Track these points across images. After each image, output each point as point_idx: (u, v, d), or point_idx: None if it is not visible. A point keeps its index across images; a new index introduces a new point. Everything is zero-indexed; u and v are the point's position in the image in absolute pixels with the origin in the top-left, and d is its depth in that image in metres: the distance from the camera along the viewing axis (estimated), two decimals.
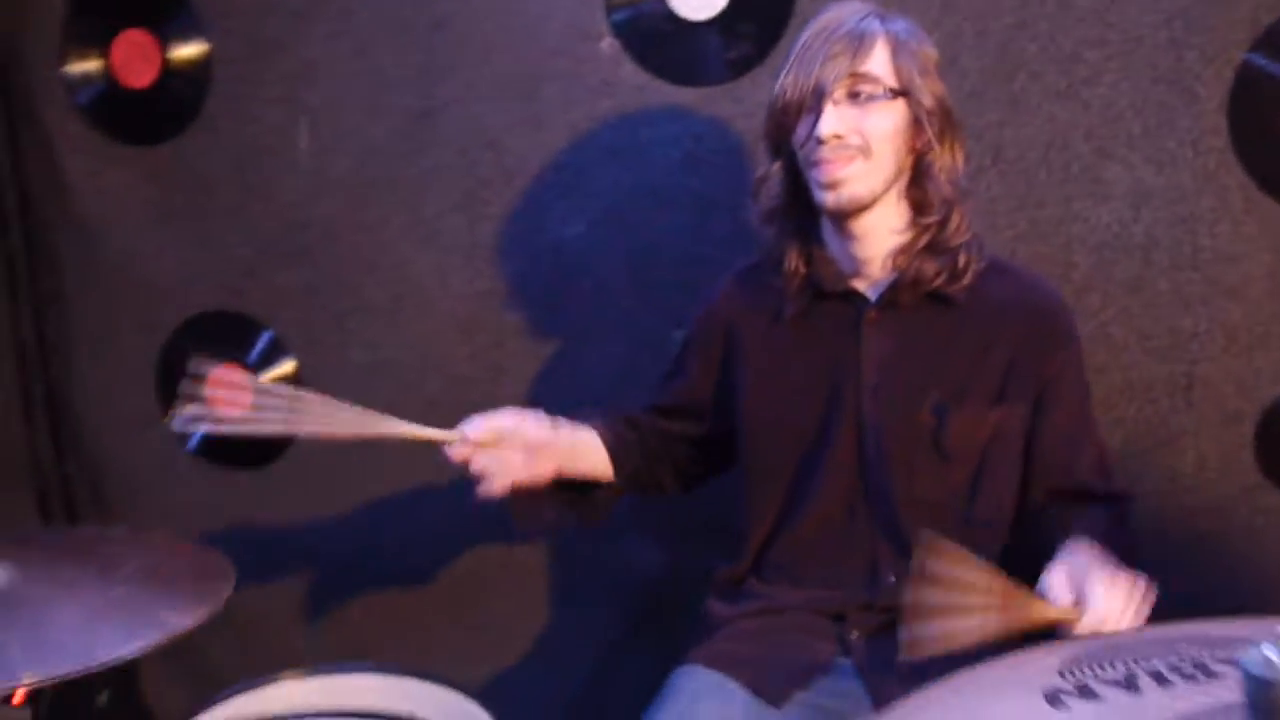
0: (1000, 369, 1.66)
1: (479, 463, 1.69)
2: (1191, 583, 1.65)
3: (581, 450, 1.81)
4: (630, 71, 2.14)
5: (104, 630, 1.33)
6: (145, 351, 2.47)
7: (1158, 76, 1.94)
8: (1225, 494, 2.00)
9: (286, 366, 2.42)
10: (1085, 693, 0.82)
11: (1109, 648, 0.89)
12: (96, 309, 2.48)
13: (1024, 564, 1.68)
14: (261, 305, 2.40)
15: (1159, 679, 0.82)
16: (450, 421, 2.31)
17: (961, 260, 1.66)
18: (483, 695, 1.61)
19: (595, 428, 1.83)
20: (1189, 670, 0.76)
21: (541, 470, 1.74)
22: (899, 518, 1.68)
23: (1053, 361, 1.68)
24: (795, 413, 1.73)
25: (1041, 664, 0.88)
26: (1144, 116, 1.95)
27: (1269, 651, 0.68)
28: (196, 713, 1.61)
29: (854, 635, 1.68)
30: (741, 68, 2.09)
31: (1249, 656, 0.69)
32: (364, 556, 2.43)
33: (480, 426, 1.70)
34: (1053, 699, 0.83)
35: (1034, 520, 1.69)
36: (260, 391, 1.69)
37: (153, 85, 2.34)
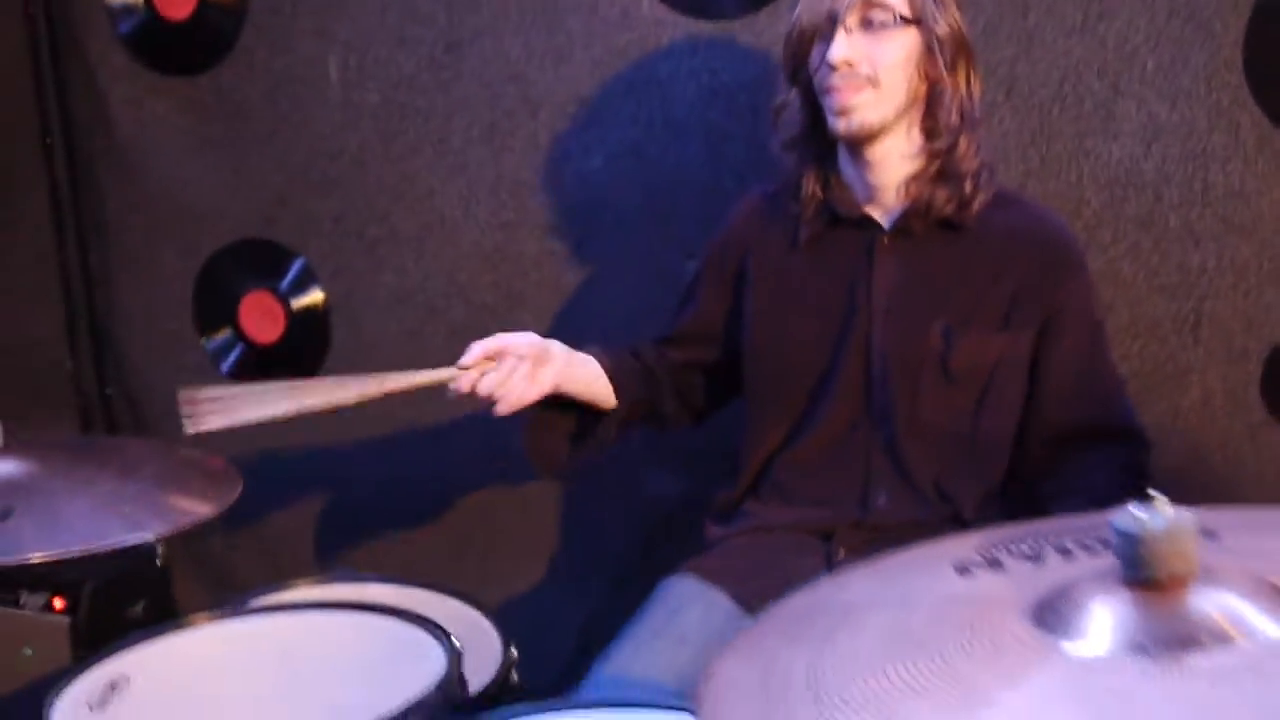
0: (1007, 295, 1.69)
1: (483, 386, 1.72)
2: None
3: (579, 369, 1.83)
4: (650, 5, 2.16)
5: (114, 520, 1.41)
6: (184, 277, 2.55)
7: (1173, 11, 1.93)
8: (1231, 431, 2.00)
9: (316, 294, 2.50)
10: (993, 564, 0.86)
11: (1030, 531, 0.92)
12: (138, 235, 2.58)
13: (1036, 496, 1.72)
14: (293, 233, 2.47)
15: (1063, 552, 0.86)
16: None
17: (970, 188, 1.68)
18: (495, 616, 1.66)
19: (595, 354, 1.87)
20: (1092, 545, 0.79)
21: (542, 381, 1.75)
22: (898, 439, 1.71)
23: (1059, 291, 1.70)
24: (805, 336, 1.77)
25: (963, 545, 0.92)
26: (1158, 52, 1.94)
27: (1136, 510, 0.72)
28: None
29: (840, 553, 1.72)
30: (760, 1, 2.11)
31: (1119, 516, 0.73)
32: (384, 481, 2.50)
33: (474, 351, 1.74)
34: (961, 569, 0.86)
35: (1044, 452, 1.71)
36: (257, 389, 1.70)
37: (191, 16, 2.42)
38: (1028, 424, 1.73)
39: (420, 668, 1.32)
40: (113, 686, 1.33)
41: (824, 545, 1.74)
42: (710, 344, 1.90)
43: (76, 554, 1.33)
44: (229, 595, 2.58)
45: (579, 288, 2.33)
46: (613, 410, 1.87)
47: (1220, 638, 0.70)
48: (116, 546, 1.36)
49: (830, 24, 1.64)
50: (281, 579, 2.59)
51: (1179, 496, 1.59)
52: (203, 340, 2.59)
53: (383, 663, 1.38)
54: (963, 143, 1.68)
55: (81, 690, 1.32)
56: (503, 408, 1.73)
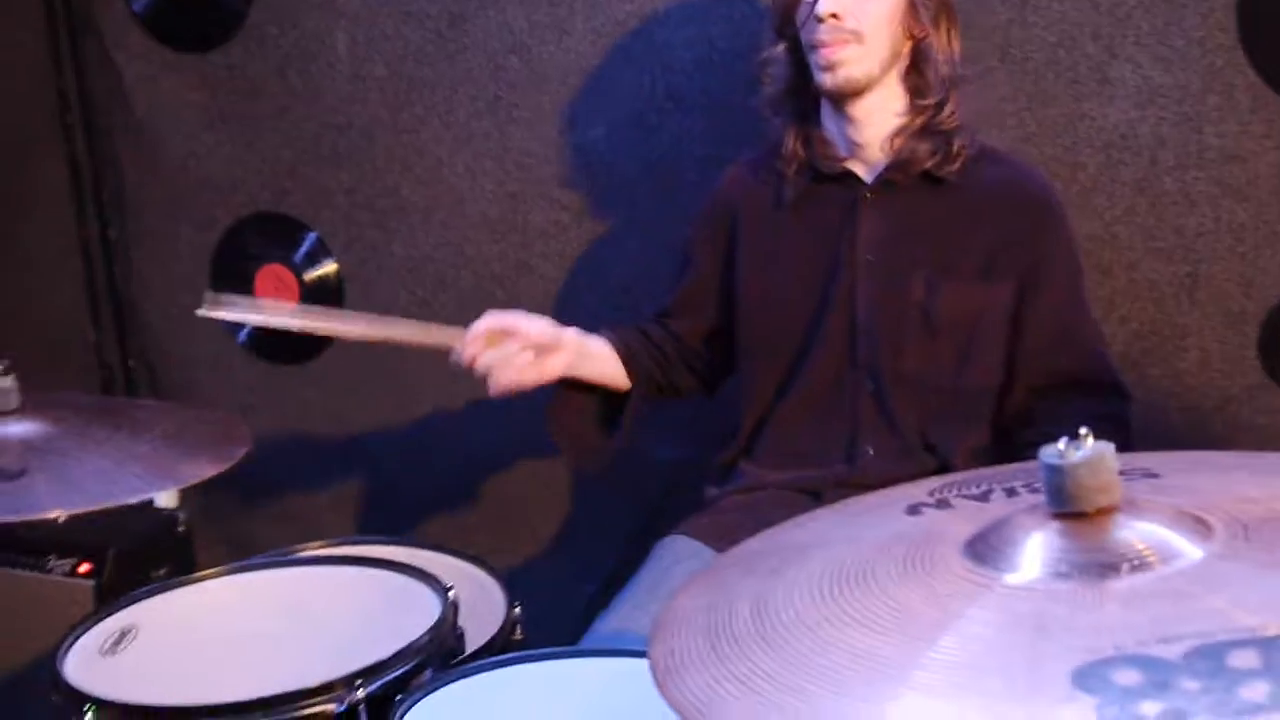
0: (988, 248, 1.72)
1: (483, 361, 1.75)
2: None
3: (590, 353, 1.87)
4: None
5: (125, 478, 1.46)
6: (200, 249, 2.61)
7: None
8: (1229, 394, 2.01)
9: (329, 266, 2.55)
10: (942, 504, 0.90)
11: (982, 475, 0.95)
12: (155, 209, 2.63)
13: (1014, 444, 1.75)
14: (305, 206, 2.52)
15: (1009, 492, 0.89)
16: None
17: (955, 144, 1.71)
18: (499, 575, 1.68)
19: (605, 336, 1.90)
20: (1038, 486, 0.82)
21: (550, 369, 1.79)
22: (884, 391, 1.74)
23: (1040, 243, 1.73)
24: (791, 293, 1.80)
25: (917, 489, 0.95)
26: (1152, 15, 1.96)
27: (1061, 444, 0.75)
28: None
29: None
30: None
31: (1046, 451, 0.76)
32: (400, 452, 2.56)
33: (483, 323, 1.77)
34: (912, 510, 0.90)
35: (1025, 401, 1.74)
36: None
37: None
38: (1010, 374, 1.75)
39: (417, 617, 1.37)
40: (123, 634, 1.39)
41: (812, 502, 1.76)
42: (708, 312, 1.93)
43: (90, 511, 1.38)
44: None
45: (584, 256, 2.37)
46: (628, 391, 1.91)
47: (1140, 564, 0.73)
48: (128, 503, 1.41)
49: None
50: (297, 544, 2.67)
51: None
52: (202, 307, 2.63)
53: (382, 612, 1.43)
54: (950, 101, 1.71)
55: (93, 639, 1.38)
56: (494, 389, 1.76)
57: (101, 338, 2.73)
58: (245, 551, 2.69)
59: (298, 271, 2.56)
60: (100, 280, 2.70)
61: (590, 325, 2.15)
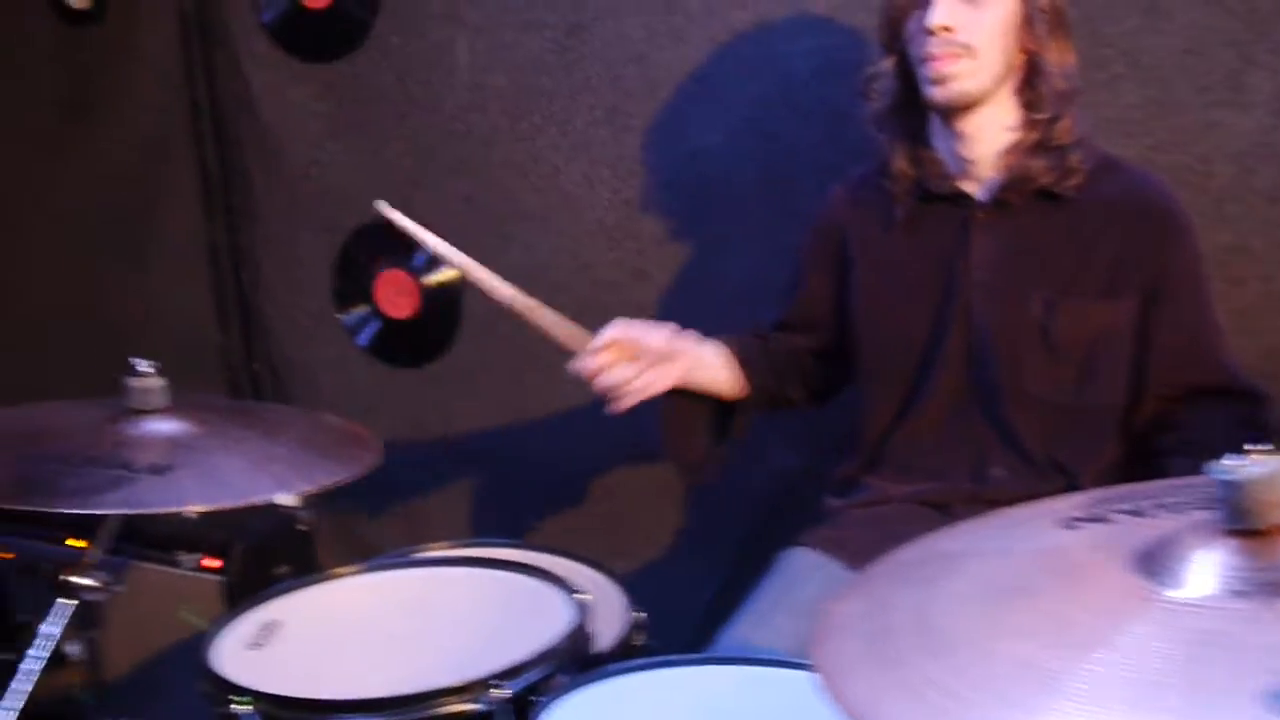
0: (1109, 264, 1.68)
1: (604, 381, 1.77)
2: None
3: (705, 361, 1.88)
4: None
5: (263, 477, 1.51)
6: (322, 255, 2.68)
7: None
8: None
9: (448, 272, 2.60)
10: (1098, 520, 0.89)
11: (1137, 491, 0.95)
12: (279, 215, 2.71)
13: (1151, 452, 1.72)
14: (425, 213, 2.56)
15: (1168, 508, 0.88)
16: (596, 325, 2.44)
17: (1071, 159, 1.67)
18: (621, 580, 1.72)
19: (721, 342, 1.91)
20: (1194, 502, 0.82)
21: (665, 378, 1.80)
22: (1007, 412, 1.72)
23: (1163, 256, 1.68)
24: (906, 315, 1.78)
25: (1066, 504, 0.95)
26: None
27: (1229, 460, 0.74)
28: None
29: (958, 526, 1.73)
30: None
31: (1220, 466, 0.75)
32: (517, 457, 2.59)
33: (608, 334, 1.78)
34: (1068, 524, 0.90)
35: (1161, 412, 1.71)
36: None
37: (330, 5, 2.53)
38: (1138, 388, 1.71)
39: (548, 621, 1.39)
40: (267, 629, 1.44)
41: (940, 517, 1.75)
42: (818, 330, 1.92)
43: (231, 508, 1.43)
44: (371, 558, 2.72)
45: (699, 264, 2.38)
46: (743, 400, 1.91)
47: None
48: (266, 502, 1.46)
49: None
50: (416, 542, 2.72)
51: None
52: (340, 316, 2.71)
53: (513, 615, 1.46)
54: (1066, 115, 1.68)
55: (238, 632, 1.43)
56: (617, 407, 1.79)
57: (228, 341, 2.81)
58: (363, 550, 2.77)
59: (417, 277, 2.61)
60: (228, 285, 2.78)
61: (704, 333, 2.17)
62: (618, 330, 1.79)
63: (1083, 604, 0.79)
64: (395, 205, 2.55)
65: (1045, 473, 1.72)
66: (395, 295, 2.65)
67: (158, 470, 1.46)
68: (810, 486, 2.28)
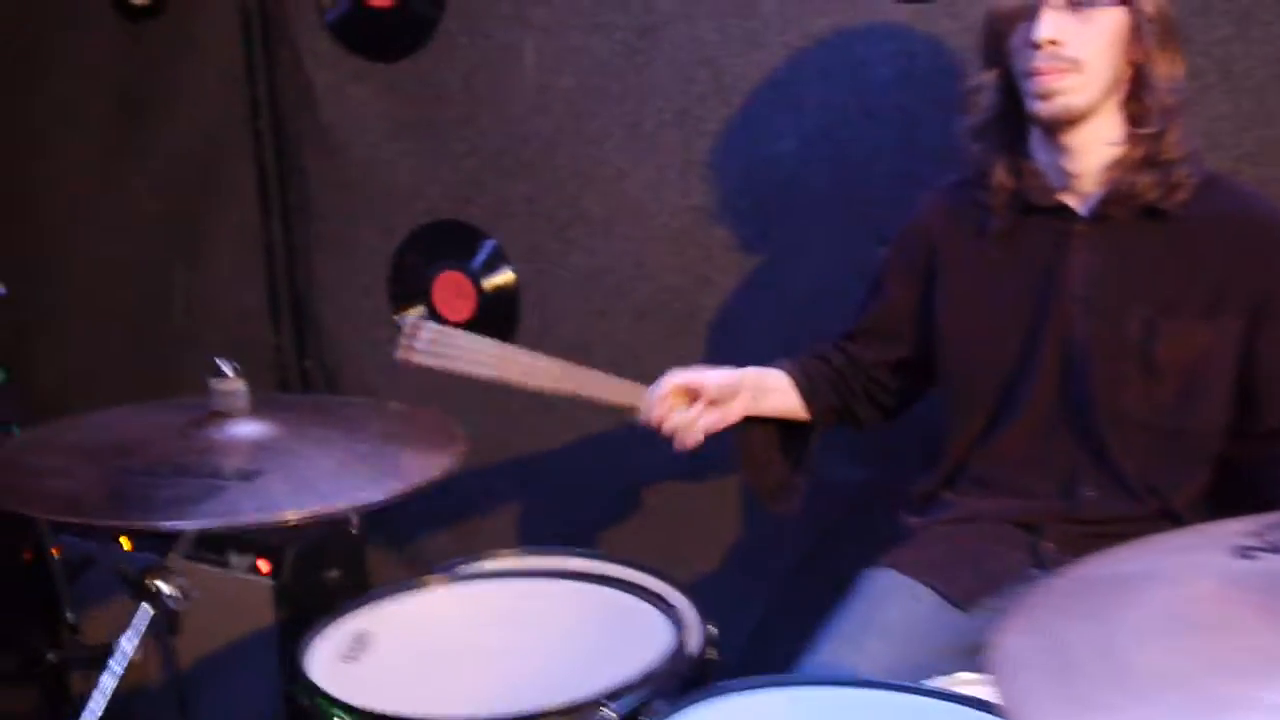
0: (1214, 284, 1.64)
1: (668, 426, 1.79)
2: None
3: (768, 388, 1.87)
4: None
5: (353, 479, 1.48)
6: (380, 255, 2.66)
7: None
8: None
9: (507, 274, 2.57)
10: (1275, 548, 0.86)
11: None
12: (338, 215, 2.69)
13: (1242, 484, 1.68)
14: (486, 215, 2.55)
15: None
16: (658, 330, 2.43)
17: (1177, 174, 1.64)
18: (691, 593, 1.68)
19: (782, 368, 1.89)
20: None
21: (730, 414, 1.82)
22: (1102, 432, 1.68)
23: (1270, 275, 1.64)
24: (999, 328, 1.75)
25: (1229, 529, 0.91)
26: None
27: None
28: None
29: (1049, 547, 1.70)
30: None
31: None
32: (569, 465, 2.56)
33: (666, 385, 1.80)
34: (1243, 553, 0.86)
35: (1263, 440, 1.67)
36: (470, 342, 1.77)
37: (395, 4, 2.50)
38: (1243, 413, 1.68)
39: (647, 639, 1.36)
40: (360, 641, 1.41)
41: (1028, 537, 1.72)
42: (898, 339, 1.89)
43: (328, 513, 1.40)
44: (420, 566, 2.69)
45: (767, 271, 2.35)
46: (808, 423, 1.90)
47: None
48: (359, 505, 1.43)
49: (1035, 3, 1.61)
50: (468, 554, 2.70)
51: None
52: (397, 316, 2.68)
53: (609, 631, 1.42)
54: (1173, 129, 1.64)
55: (331, 643, 1.40)
56: (681, 446, 1.81)
57: (280, 339, 2.79)
58: (411, 556, 2.75)
59: (475, 279, 2.59)
60: (282, 282, 2.75)
61: (770, 341, 2.15)
62: (674, 380, 1.81)
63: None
64: (454, 206, 2.57)
65: (1138, 495, 1.68)
66: (453, 297, 2.63)
67: (247, 476, 1.43)
68: (868, 500, 2.26)
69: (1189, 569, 0.87)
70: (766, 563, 2.46)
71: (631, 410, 1.81)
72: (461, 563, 1.81)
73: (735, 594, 2.45)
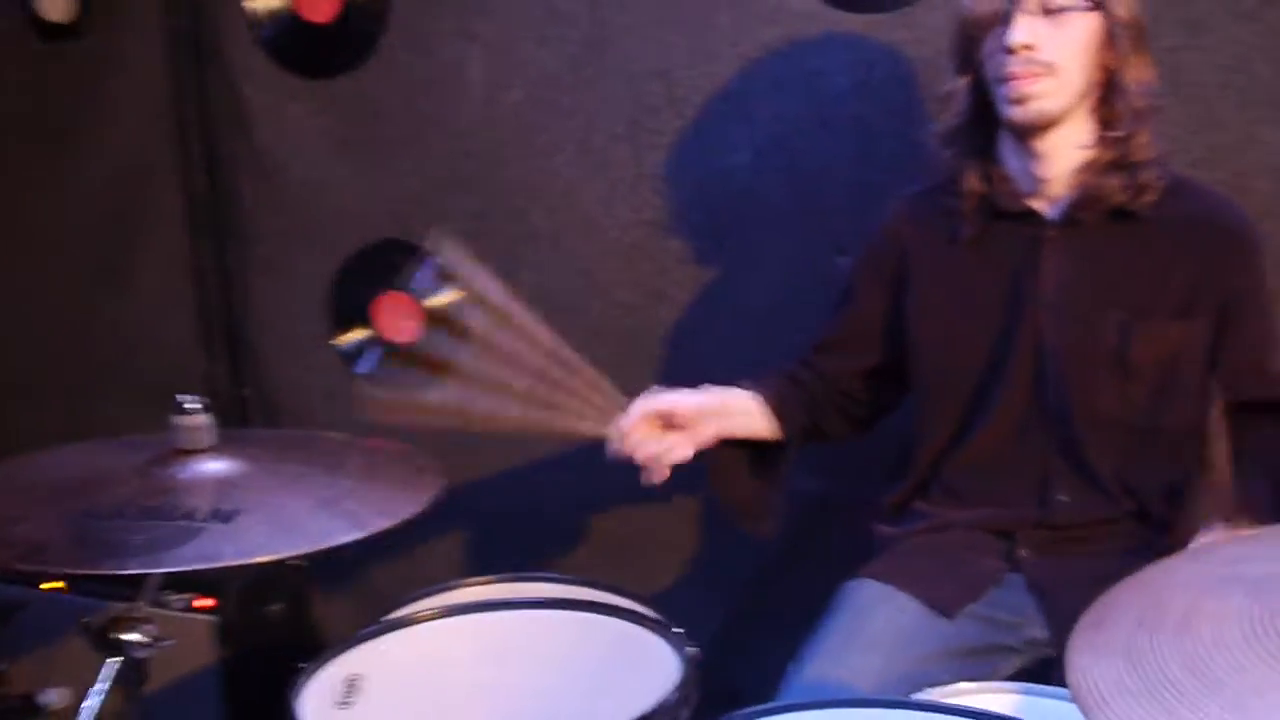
0: (1184, 285, 1.66)
1: (642, 454, 1.73)
2: None
3: (735, 410, 1.83)
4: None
5: (334, 518, 1.41)
6: (320, 278, 2.57)
7: None
8: None
9: (450, 294, 2.50)
10: None
11: None
12: (274, 238, 2.60)
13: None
14: (431, 234, 2.48)
15: None
16: (611, 348, 2.39)
17: (1146, 177, 1.66)
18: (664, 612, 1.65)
19: (752, 389, 1.86)
20: None
21: (702, 437, 1.77)
22: (1076, 436, 1.69)
23: (1236, 276, 1.68)
24: (970, 334, 1.75)
25: (1222, 557, 0.91)
26: None
27: None
28: (361, 625, 1.63)
29: (1024, 553, 1.70)
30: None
31: None
32: (521, 483, 2.50)
33: (635, 413, 1.74)
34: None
35: (1226, 426, 1.70)
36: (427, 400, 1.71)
37: (333, 20, 2.43)
38: (1211, 407, 1.70)
39: (651, 668, 1.32)
40: (351, 685, 1.34)
41: (1004, 544, 1.72)
42: (869, 347, 1.88)
43: (309, 553, 1.33)
44: (368, 598, 2.61)
45: (722, 285, 2.32)
46: (782, 443, 1.87)
47: None
48: (343, 543, 1.36)
49: (1008, 8, 1.61)
50: (414, 583, 2.62)
51: None
52: (338, 341, 2.60)
53: (611, 662, 1.38)
54: (1142, 132, 1.66)
55: (322, 689, 1.33)
56: (653, 478, 1.74)
57: (213, 367, 2.69)
58: (359, 589, 2.66)
59: (420, 299, 2.52)
60: (215, 309, 2.66)
61: (727, 356, 2.13)
62: (643, 407, 1.75)
63: None
64: (397, 225, 2.50)
65: (1114, 496, 1.69)
66: (398, 319, 2.55)
67: (224, 518, 1.36)
68: (825, 513, 2.25)
69: (1257, 580, 0.86)
70: (728, 579, 2.43)
71: (601, 440, 1.75)
72: (426, 594, 1.75)
73: (697, 611, 2.41)
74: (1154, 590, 0.88)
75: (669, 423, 1.75)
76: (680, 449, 1.74)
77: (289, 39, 2.48)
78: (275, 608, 2.56)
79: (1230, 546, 0.95)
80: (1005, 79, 1.63)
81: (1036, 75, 1.61)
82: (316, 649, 1.43)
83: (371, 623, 1.56)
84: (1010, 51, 1.60)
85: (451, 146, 2.43)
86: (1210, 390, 1.71)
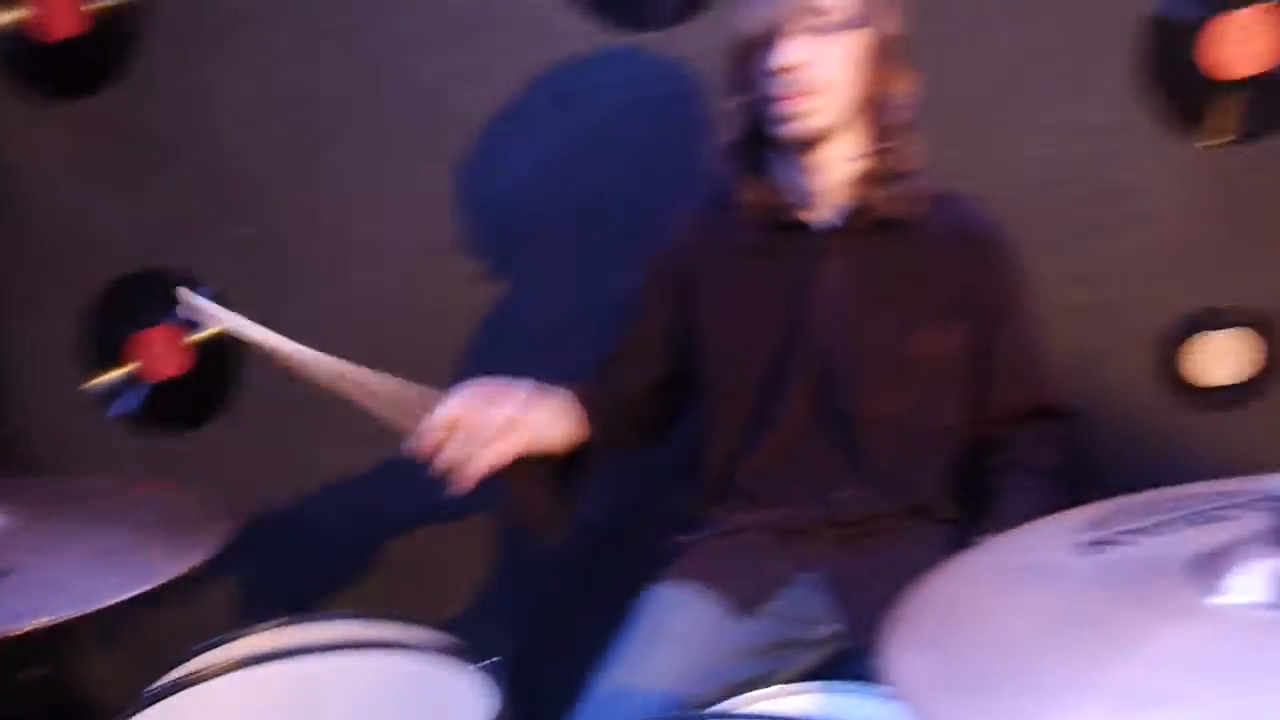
0: (951, 290, 1.76)
1: (447, 457, 1.64)
2: None
3: (549, 419, 1.79)
4: (574, 18, 2.17)
5: (112, 573, 1.31)
6: (74, 313, 2.40)
7: (1075, 21, 2.07)
8: (1145, 413, 2.14)
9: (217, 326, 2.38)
10: (1122, 538, 0.91)
11: (1124, 509, 0.98)
12: (21, 272, 2.41)
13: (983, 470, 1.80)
14: (196, 262, 2.36)
15: (1188, 521, 0.91)
16: (398, 372, 2.31)
17: (914, 188, 1.74)
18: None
19: (567, 388, 1.84)
20: (1211, 514, 0.85)
21: (510, 449, 1.68)
22: (857, 435, 1.76)
23: (998, 282, 1.79)
24: (756, 342, 1.79)
25: (1062, 529, 0.97)
26: (1061, 58, 2.08)
27: None
28: (134, 686, 1.52)
29: (815, 551, 1.76)
30: (690, 11, 2.14)
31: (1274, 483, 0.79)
32: (301, 518, 2.41)
33: (455, 404, 1.65)
34: (1090, 548, 0.91)
35: (991, 430, 1.79)
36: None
37: (77, 36, 2.27)
38: (974, 410, 1.80)
39: (455, 703, 1.28)
40: None
41: (797, 544, 1.77)
42: (656, 360, 1.90)
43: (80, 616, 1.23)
44: (139, 654, 2.44)
45: (509, 304, 2.31)
46: (584, 446, 1.86)
47: None
48: (126, 598, 1.27)
49: (775, 29, 1.66)
50: (195, 633, 2.49)
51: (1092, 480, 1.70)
52: (95, 380, 2.44)
53: (413, 702, 1.33)
54: (909, 144, 1.75)
55: None
56: (456, 490, 1.65)
57: None
58: (133, 642, 2.49)
59: (184, 332, 2.39)
60: None
61: (516, 374, 2.09)
62: (461, 402, 1.66)
63: (1142, 622, 0.81)
64: (159, 254, 2.36)
65: (890, 493, 1.77)
66: (163, 354, 2.42)
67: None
68: (624, 526, 2.27)
69: (1050, 568, 0.91)
70: (529, 597, 2.41)
71: (409, 429, 1.62)
72: (211, 646, 1.64)
73: (497, 634, 2.37)
74: (955, 584, 0.92)
75: (480, 427, 1.66)
76: (486, 461, 1.65)
77: (28, 58, 2.30)
78: (27, 671, 2.37)
79: (1020, 538, 1.00)
80: (774, 99, 1.68)
81: (805, 94, 1.67)
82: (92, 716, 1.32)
83: (153, 681, 1.46)
84: (778, 72, 1.65)
85: (219, 170, 2.31)
86: (975, 394, 1.80)
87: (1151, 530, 0.93)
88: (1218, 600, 0.81)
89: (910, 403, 1.76)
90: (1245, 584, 0.80)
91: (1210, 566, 0.83)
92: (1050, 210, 2.12)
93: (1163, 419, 2.15)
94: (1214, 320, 2.14)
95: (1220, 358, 2.14)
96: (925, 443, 1.78)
